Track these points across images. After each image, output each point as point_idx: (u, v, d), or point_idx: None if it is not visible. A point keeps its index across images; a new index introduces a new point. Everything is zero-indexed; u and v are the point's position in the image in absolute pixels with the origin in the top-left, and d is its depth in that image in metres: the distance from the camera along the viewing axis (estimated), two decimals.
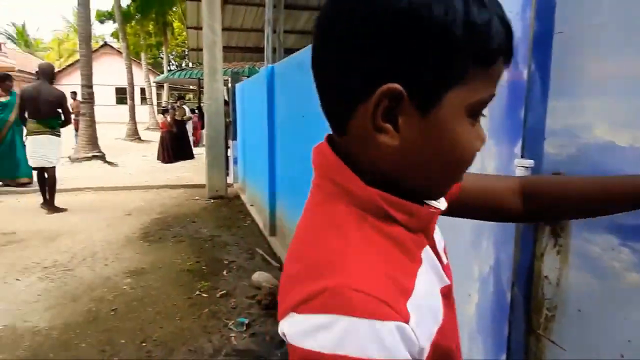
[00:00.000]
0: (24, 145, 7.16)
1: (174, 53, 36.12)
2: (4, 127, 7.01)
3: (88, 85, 10.27)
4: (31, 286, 3.50)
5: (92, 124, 10.50)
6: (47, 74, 5.63)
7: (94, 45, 33.57)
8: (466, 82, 0.43)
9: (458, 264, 1.32)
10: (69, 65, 31.06)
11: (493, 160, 1.17)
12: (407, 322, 0.42)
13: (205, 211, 5.98)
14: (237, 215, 5.78)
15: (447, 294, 0.54)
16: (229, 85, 7.50)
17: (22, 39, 39.52)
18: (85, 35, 10.57)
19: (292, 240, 0.52)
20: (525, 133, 1.07)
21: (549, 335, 1.08)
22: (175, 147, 11.05)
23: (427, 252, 0.52)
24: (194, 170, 9.38)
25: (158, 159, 10.90)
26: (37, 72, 5.77)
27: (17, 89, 7.05)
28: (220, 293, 3.32)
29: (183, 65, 35.09)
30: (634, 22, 0.85)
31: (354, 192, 0.47)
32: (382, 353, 0.39)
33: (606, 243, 0.92)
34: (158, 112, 26.34)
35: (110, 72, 28.83)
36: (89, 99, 10.39)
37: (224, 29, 9.09)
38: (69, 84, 20.34)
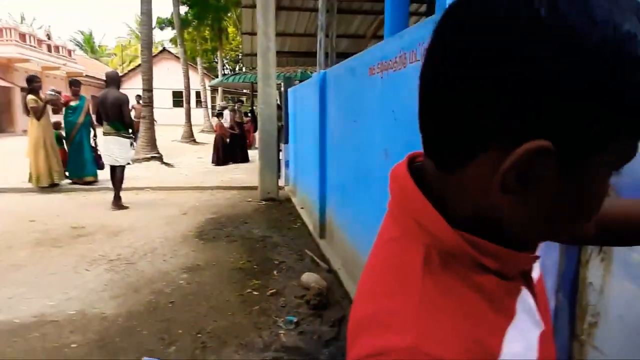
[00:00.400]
0: (91, 147, 7.75)
1: (228, 57, 37.36)
2: (73, 129, 7.60)
3: (148, 89, 10.90)
4: (99, 276, 3.80)
5: (151, 126, 11.12)
6: (114, 80, 6.17)
7: (154, 50, 35.49)
8: (626, 135, 0.35)
9: None
10: (130, 70, 33.03)
11: None
12: None
13: (257, 213, 6.19)
14: (287, 217, 5.94)
15: (543, 339, 0.46)
16: (282, 89, 7.71)
17: (89, 45, 42.41)
18: (148, 42, 11.24)
19: (363, 272, 0.48)
20: None
21: (592, 341, 1.09)
22: (230, 150, 11.46)
23: (523, 299, 0.44)
24: (246, 172, 9.70)
25: (212, 162, 11.33)
26: (105, 79, 6.34)
27: (85, 93, 7.65)
28: (271, 292, 3.46)
29: (237, 69, 36.28)
30: None
31: (438, 236, 0.41)
32: None
33: None
34: (212, 115, 27.39)
35: (168, 76, 30.39)
36: (149, 102, 11.02)
37: (277, 35, 9.35)
38: (131, 88, 21.54)
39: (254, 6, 7.59)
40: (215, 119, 11.77)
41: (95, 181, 7.90)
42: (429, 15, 5.33)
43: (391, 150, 2.51)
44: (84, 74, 26.39)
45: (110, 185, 6.46)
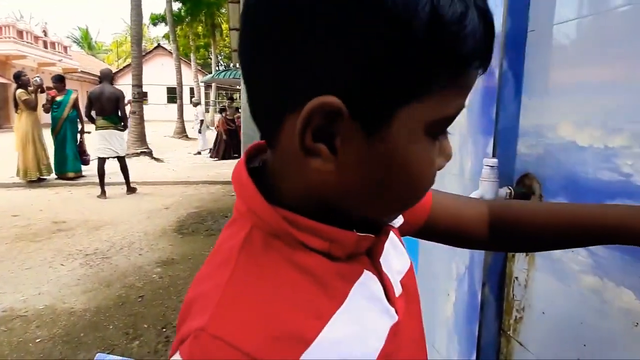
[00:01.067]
0: (75, 143, 7.72)
1: (222, 54, 37.19)
2: (57, 124, 7.55)
3: (138, 85, 10.84)
4: (73, 271, 3.77)
5: (141, 121, 11.07)
6: (108, 77, 6.59)
7: (149, 46, 35.29)
8: (427, 94, 0.33)
9: (440, 263, 1.33)
10: (126, 66, 32.83)
11: (470, 158, 1.17)
12: None
13: None
14: None
15: (399, 331, 0.43)
16: None
17: (86, 42, 42.17)
18: (137, 38, 11.17)
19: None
20: (496, 132, 1.06)
21: (517, 337, 1.07)
22: (230, 146, 11.47)
23: (363, 283, 0.42)
24: (232, 167, 9.66)
25: (212, 156, 11.42)
26: (99, 76, 6.70)
27: (80, 88, 7.63)
28: None
29: (231, 65, 36.13)
30: (602, 23, 0.83)
31: (261, 216, 0.39)
32: None
33: None
34: (207, 111, 27.26)
35: (162, 72, 30.26)
36: (139, 98, 10.96)
37: None
38: (126, 84, 21.43)
39: (240, 1, 7.53)
40: (218, 115, 11.87)
41: (78, 177, 7.85)
42: None
43: None
44: (79, 70, 26.21)
45: (96, 180, 6.62)
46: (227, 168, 9.67)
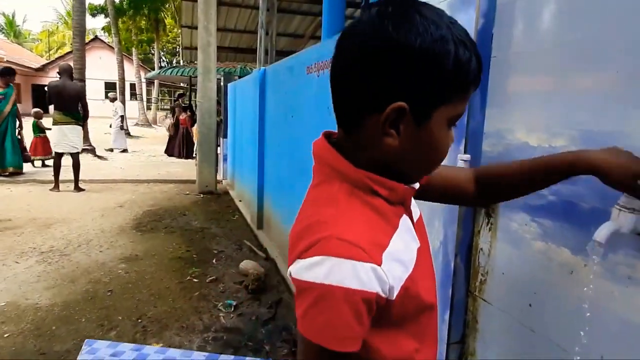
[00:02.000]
0: (14, 136, 7.37)
1: (165, 49, 36.07)
2: (0, 118, 7.14)
3: (81, 79, 10.38)
4: (30, 268, 3.69)
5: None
6: (67, 72, 6.48)
7: (85, 38, 33.45)
8: (450, 102, 0.60)
9: None
10: (58, 58, 30.88)
11: (447, 156, 1.45)
12: (379, 265, 0.57)
13: (195, 205, 6.19)
14: (226, 209, 6.01)
15: (420, 252, 0.69)
16: (221, 84, 7.72)
17: (11, 29, 39.09)
18: (80, 30, 10.71)
19: (299, 212, 0.69)
20: (467, 134, 1.35)
21: (482, 295, 1.36)
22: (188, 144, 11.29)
23: (404, 220, 0.68)
24: (183, 166, 9.57)
25: (172, 154, 11.14)
26: (59, 71, 6.55)
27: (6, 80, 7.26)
28: (210, 279, 3.56)
29: (174, 62, 35.12)
30: (545, 51, 1.13)
31: (347, 173, 0.63)
32: (357, 285, 0.55)
33: (521, 219, 1.20)
34: (148, 109, 26.35)
35: (100, 66, 28.78)
36: None
37: (218, 29, 9.30)
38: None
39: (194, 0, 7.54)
40: (184, 113, 11.47)
41: (17, 173, 7.47)
42: None
43: None
44: (5, 59, 24.30)
45: (37, 177, 6.50)
46: (177, 167, 9.56)
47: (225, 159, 8.04)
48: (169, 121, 11.04)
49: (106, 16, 20.45)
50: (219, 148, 8.02)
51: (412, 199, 0.79)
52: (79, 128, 6.64)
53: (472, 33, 1.32)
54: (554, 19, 1.10)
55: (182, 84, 21.61)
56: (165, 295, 3.25)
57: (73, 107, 6.42)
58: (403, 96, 0.57)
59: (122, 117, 12.32)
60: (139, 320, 2.86)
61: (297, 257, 0.60)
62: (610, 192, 0.80)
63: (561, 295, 1.07)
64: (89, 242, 4.39)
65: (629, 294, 0.91)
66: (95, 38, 32.19)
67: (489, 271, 1.34)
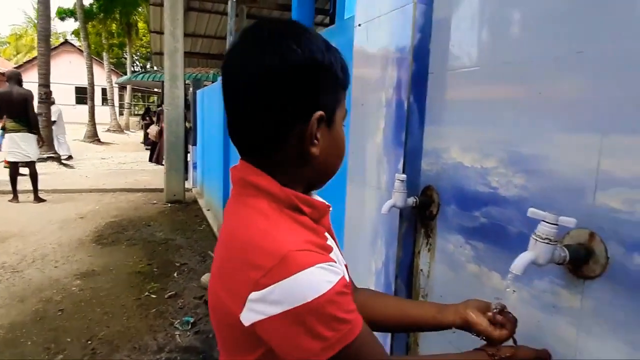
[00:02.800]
0: None
1: (138, 54, 35.47)
2: None
3: (45, 84, 10.10)
4: None
5: (48, 124, 10.29)
6: (14, 78, 6.26)
7: (54, 42, 32.57)
8: (342, 102, 0.70)
9: (362, 261, 1.55)
10: (27, 62, 29.98)
11: (385, 174, 1.41)
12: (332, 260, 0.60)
13: (161, 215, 6.04)
14: (193, 219, 5.88)
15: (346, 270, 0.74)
16: (190, 90, 7.58)
17: None
18: (45, 34, 10.42)
19: (219, 239, 0.68)
20: (406, 152, 1.31)
21: None
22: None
23: (329, 239, 0.72)
24: (152, 174, 9.35)
25: (153, 161, 10.88)
26: (6, 78, 6.34)
27: None
28: (169, 294, 3.45)
29: (148, 67, 34.52)
30: (477, 69, 1.10)
31: (275, 192, 0.64)
32: (335, 276, 0.57)
33: (457, 241, 1.17)
34: (121, 114, 25.84)
35: (70, 70, 28.06)
36: (46, 99, 10.20)
37: (188, 35, 9.18)
38: (29, 82, 19.64)
39: (162, 4, 7.38)
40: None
41: None
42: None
43: None
44: None
45: None
46: (146, 175, 9.34)
47: (195, 167, 7.90)
48: (155, 127, 10.61)
49: (76, 20, 19.96)
50: (188, 155, 7.87)
51: None
52: (32, 136, 6.38)
53: (409, 48, 1.28)
54: (487, 38, 1.07)
55: (156, 89, 21.25)
56: (119, 314, 3.12)
57: (22, 114, 6.20)
58: (319, 106, 0.64)
59: (54, 122, 10.96)
60: (89, 342, 2.73)
61: (252, 289, 0.56)
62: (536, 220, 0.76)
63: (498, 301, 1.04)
64: (44, 257, 4.20)
65: (554, 323, 0.88)
66: (65, 42, 31.39)
67: (429, 293, 1.30)
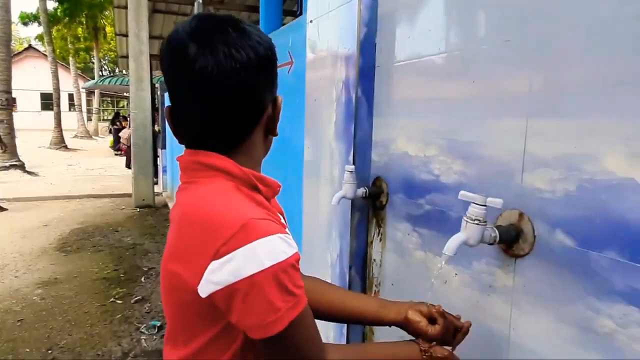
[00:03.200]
0: None
1: (107, 58, 34.67)
2: None
3: (6, 90, 9.76)
4: None
5: (10, 131, 9.96)
6: None
7: (18, 47, 31.52)
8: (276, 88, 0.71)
9: (319, 253, 1.56)
10: None
11: (337, 167, 1.43)
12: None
13: (130, 220, 5.91)
14: (163, 223, 5.78)
15: None
16: (158, 93, 7.47)
17: None
18: (6, 39, 10.07)
19: (172, 223, 0.67)
20: (355, 144, 1.33)
21: None
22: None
23: (281, 218, 0.73)
24: (121, 179, 9.15)
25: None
26: None
27: None
28: (136, 299, 3.38)
29: (117, 71, 33.77)
30: (420, 62, 1.12)
31: (234, 172, 0.65)
32: (291, 249, 0.59)
33: (405, 229, 1.19)
34: (89, 119, 25.18)
35: (35, 76, 27.18)
36: (7, 105, 9.86)
37: (155, 37, 9.01)
38: None
39: (127, 7, 7.25)
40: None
41: None
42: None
43: None
44: None
45: None
46: (115, 180, 9.13)
47: (164, 171, 7.77)
48: (128, 131, 10.30)
49: (40, 24, 19.35)
50: (158, 159, 7.74)
51: None
52: None
53: (355, 42, 1.30)
54: (427, 30, 1.10)
55: (126, 94, 20.79)
56: (82, 321, 3.03)
57: None
58: (273, 92, 0.69)
59: None
60: (49, 351, 2.65)
61: (211, 259, 0.56)
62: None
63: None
64: (4, 267, 4.06)
65: (491, 301, 0.91)
66: (29, 47, 30.38)
67: (382, 282, 1.32)
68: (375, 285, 1.35)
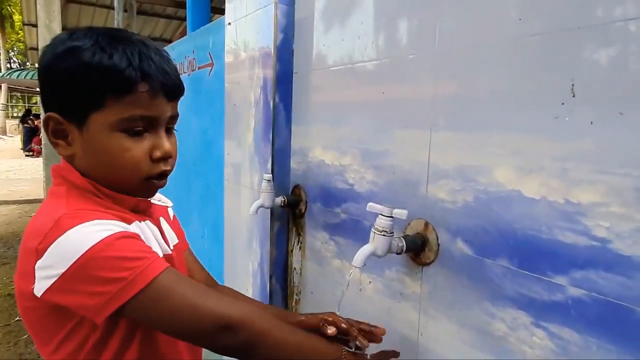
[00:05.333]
0: None
1: (15, 49, 31.68)
2: None
3: None
4: None
5: None
6: None
7: None
8: (105, 107, 0.62)
9: (241, 262, 1.53)
10: None
11: (257, 174, 1.40)
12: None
13: None
14: None
15: (170, 260, 0.68)
16: None
17: None
18: None
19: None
20: (274, 151, 1.31)
21: None
22: None
23: (146, 224, 0.70)
24: (32, 183, 8.40)
25: None
26: None
27: None
28: None
29: (28, 64, 30.94)
30: (335, 69, 1.13)
31: (73, 181, 0.66)
32: (116, 228, 0.59)
33: (322, 237, 1.20)
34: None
35: None
36: None
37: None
38: None
39: None
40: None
41: None
42: None
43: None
44: None
45: None
46: (24, 184, 8.35)
47: None
48: None
49: None
50: None
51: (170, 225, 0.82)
52: None
53: (272, 48, 1.28)
54: (342, 38, 1.10)
55: (37, 88, 19.08)
56: None
57: None
58: (55, 106, 0.63)
59: None
60: None
61: (35, 259, 0.57)
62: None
63: (356, 312, 1.07)
64: None
65: (401, 308, 0.93)
66: None
67: (302, 290, 1.32)
68: (296, 294, 1.35)
